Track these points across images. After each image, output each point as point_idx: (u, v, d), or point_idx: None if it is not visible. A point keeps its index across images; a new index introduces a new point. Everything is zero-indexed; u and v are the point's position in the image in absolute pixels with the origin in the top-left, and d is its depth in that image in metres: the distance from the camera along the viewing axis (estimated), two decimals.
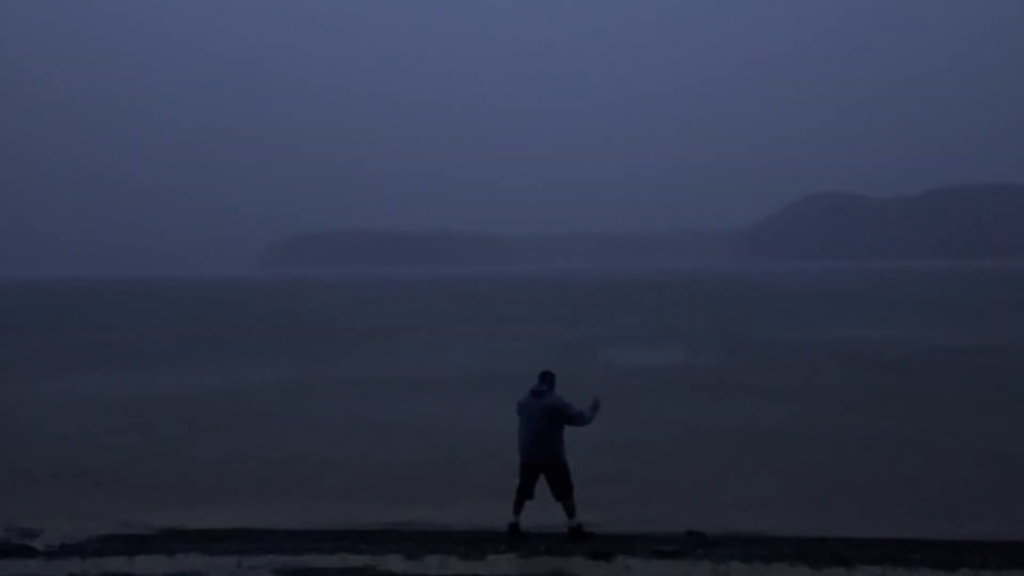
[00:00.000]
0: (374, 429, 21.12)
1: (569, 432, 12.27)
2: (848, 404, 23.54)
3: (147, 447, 19.58)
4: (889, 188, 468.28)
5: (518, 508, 12.23)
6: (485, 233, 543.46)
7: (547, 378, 12.25)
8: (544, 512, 12.43)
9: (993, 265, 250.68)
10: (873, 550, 11.38)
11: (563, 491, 12.07)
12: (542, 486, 12.24)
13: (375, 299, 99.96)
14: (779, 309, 68.25)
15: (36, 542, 12.27)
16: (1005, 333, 42.65)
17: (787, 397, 24.96)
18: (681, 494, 14.91)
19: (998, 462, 16.84)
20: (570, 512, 12.09)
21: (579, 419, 12.09)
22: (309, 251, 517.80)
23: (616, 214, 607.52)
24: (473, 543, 11.81)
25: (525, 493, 12.19)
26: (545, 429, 12.01)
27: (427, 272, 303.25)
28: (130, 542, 12.28)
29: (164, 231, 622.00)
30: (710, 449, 18.41)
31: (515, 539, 11.96)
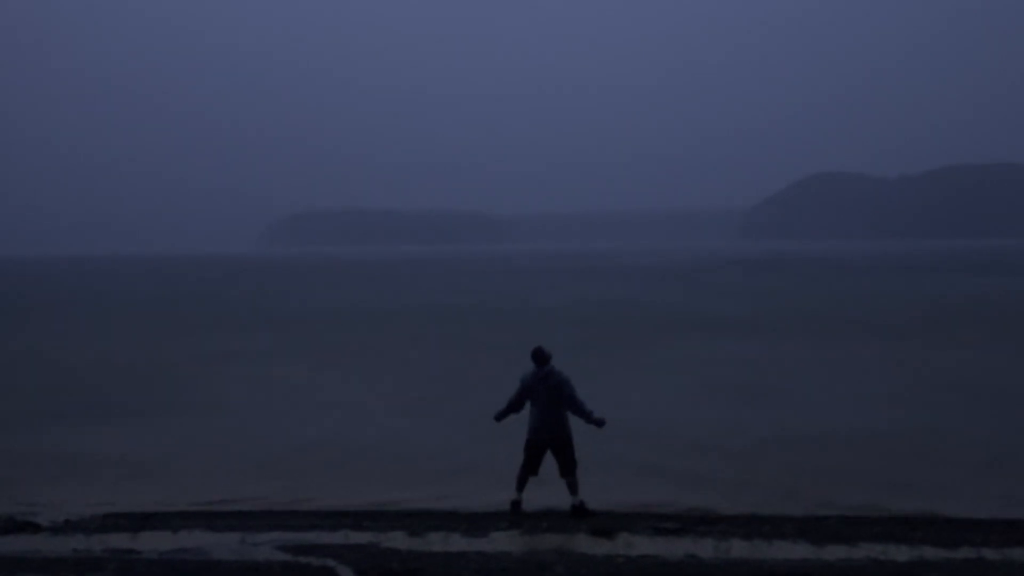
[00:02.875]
0: (375, 412, 21.08)
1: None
2: None
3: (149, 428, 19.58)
4: (890, 167, 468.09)
5: (521, 485, 12.30)
6: (484, 212, 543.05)
7: (545, 357, 12.27)
8: (546, 491, 12.47)
9: (995, 244, 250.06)
10: (874, 528, 11.43)
11: (568, 466, 12.16)
12: (546, 466, 12.30)
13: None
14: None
15: (40, 518, 12.30)
16: None
17: None
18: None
19: None
20: (573, 489, 12.15)
21: (580, 409, 12.18)
22: (308, 230, 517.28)
23: (613, 194, 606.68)
24: (476, 521, 11.86)
25: (530, 470, 12.28)
26: (555, 409, 12.17)
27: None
28: (134, 519, 12.30)
29: (160, 209, 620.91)
30: None
31: (517, 516, 12.02)
